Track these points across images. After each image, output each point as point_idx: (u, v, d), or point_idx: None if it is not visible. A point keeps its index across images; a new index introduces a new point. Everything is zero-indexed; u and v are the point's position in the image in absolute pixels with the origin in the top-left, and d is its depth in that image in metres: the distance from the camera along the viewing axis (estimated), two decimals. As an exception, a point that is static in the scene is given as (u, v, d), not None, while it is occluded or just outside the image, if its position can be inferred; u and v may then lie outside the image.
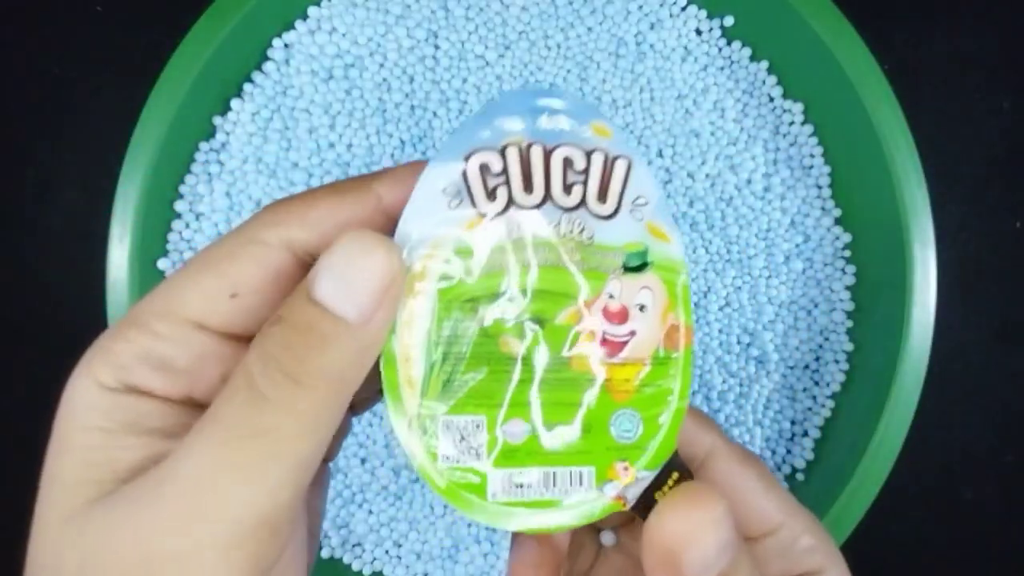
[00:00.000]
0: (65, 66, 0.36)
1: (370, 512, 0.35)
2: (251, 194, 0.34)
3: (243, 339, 0.16)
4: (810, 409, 0.36)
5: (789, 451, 0.36)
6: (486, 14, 0.35)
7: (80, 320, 0.31)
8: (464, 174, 0.17)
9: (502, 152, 0.17)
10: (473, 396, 0.17)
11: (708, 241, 0.35)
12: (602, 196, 0.18)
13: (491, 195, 0.17)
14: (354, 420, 0.35)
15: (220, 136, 0.34)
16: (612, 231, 0.18)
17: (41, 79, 0.36)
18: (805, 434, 0.36)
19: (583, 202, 0.18)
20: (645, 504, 0.18)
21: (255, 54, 0.34)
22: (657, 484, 0.18)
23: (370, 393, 0.19)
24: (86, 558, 0.14)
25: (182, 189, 0.34)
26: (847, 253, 0.35)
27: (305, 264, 0.17)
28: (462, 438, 0.17)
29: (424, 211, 0.17)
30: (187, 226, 0.34)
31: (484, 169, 0.17)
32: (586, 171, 0.18)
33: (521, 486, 0.17)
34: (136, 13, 0.36)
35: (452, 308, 0.17)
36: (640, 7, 0.35)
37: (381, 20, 0.34)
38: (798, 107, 0.35)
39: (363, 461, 0.35)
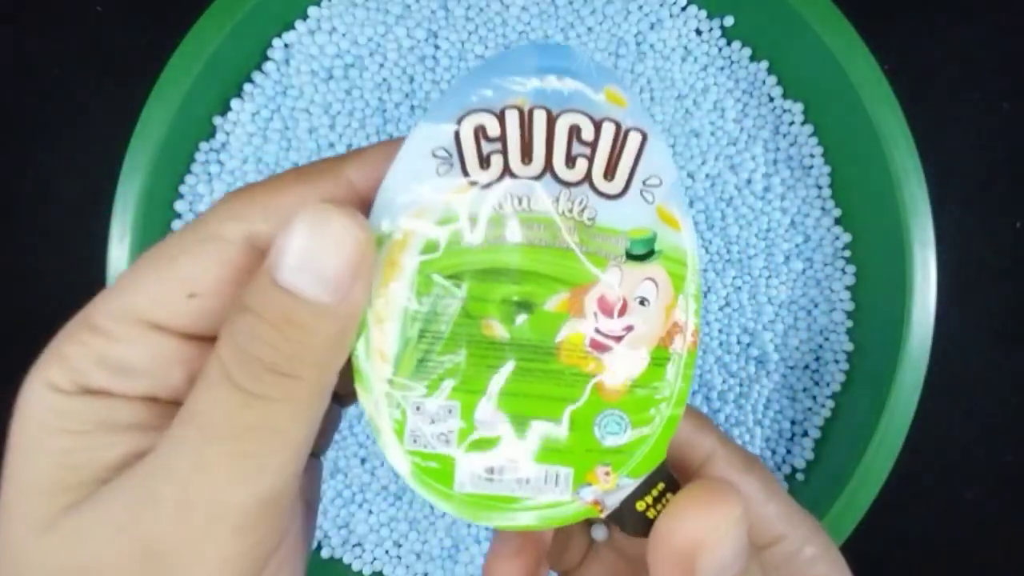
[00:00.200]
0: (65, 66, 0.36)
1: (370, 512, 0.35)
2: (251, 194, 0.34)
3: (208, 339, 0.15)
4: (810, 409, 0.36)
5: (789, 451, 0.36)
6: (486, 14, 0.35)
7: (80, 320, 0.31)
8: (456, 137, 0.16)
9: (501, 115, 0.16)
10: (448, 379, 0.16)
11: (708, 241, 0.35)
12: (610, 172, 0.16)
13: (484, 162, 0.16)
14: (354, 420, 0.35)
15: (220, 136, 0.34)
16: (617, 213, 0.16)
17: (41, 79, 0.36)
18: (805, 434, 0.36)
19: (587, 177, 0.16)
20: (623, 514, 0.16)
21: (255, 54, 0.34)
22: (639, 494, 0.16)
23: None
24: (79, 561, 0.14)
25: (182, 189, 0.34)
26: (847, 253, 0.35)
27: None
28: (432, 422, 0.16)
29: (409, 175, 0.15)
30: (187, 226, 0.34)
31: (479, 132, 0.16)
32: (594, 142, 0.16)
33: (491, 480, 0.16)
34: (136, 13, 0.36)
35: (433, 282, 0.16)
36: (640, 7, 0.35)
37: (381, 20, 0.34)
38: (798, 107, 0.35)
39: (363, 461, 0.35)
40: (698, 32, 0.36)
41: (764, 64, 0.36)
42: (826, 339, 0.36)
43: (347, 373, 0.16)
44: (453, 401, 0.16)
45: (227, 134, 0.34)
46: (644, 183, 0.16)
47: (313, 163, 0.16)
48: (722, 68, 0.36)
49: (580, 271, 0.16)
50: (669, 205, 0.16)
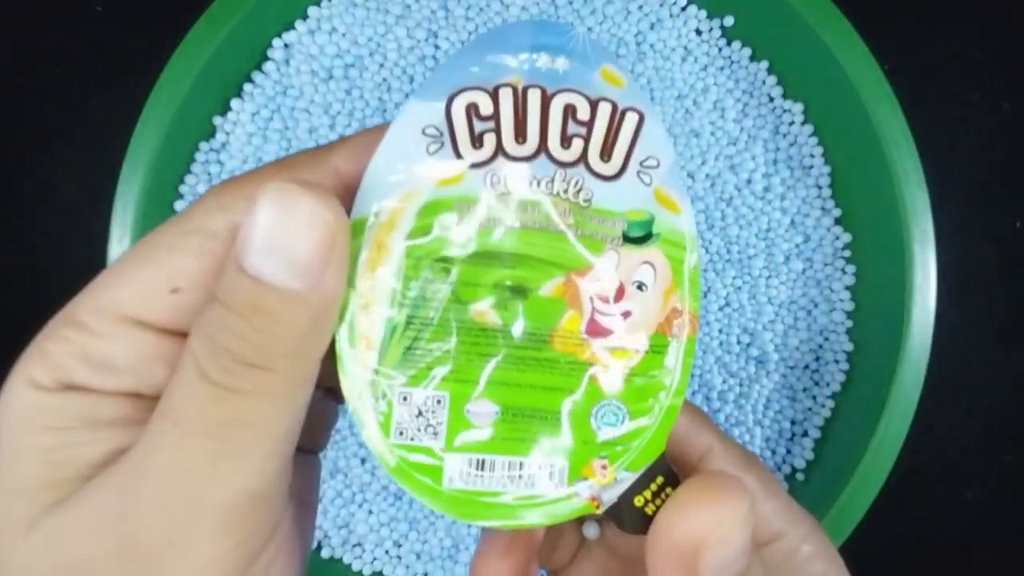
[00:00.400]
0: (65, 66, 0.36)
1: (370, 512, 0.35)
2: (251, 194, 0.34)
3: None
4: (810, 409, 0.36)
5: (789, 451, 0.36)
6: (486, 14, 0.35)
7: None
8: (448, 115, 0.15)
9: (494, 93, 0.15)
10: (437, 368, 0.15)
11: (708, 241, 0.35)
12: (606, 153, 0.15)
13: (477, 141, 0.15)
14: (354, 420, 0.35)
15: (220, 136, 0.34)
16: (614, 194, 0.15)
17: (41, 79, 0.36)
18: (805, 434, 0.36)
19: (583, 158, 0.15)
20: (620, 510, 0.16)
21: (255, 54, 0.34)
22: (638, 488, 0.16)
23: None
24: (65, 561, 0.14)
25: (182, 189, 0.34)
26: (847, 253, 0.35)
27: None
28: (419, 413, 0.15)
29: (399, 154, 0.15)
30: (187, 226, 0.34)
31: (471, 111, 0.15)
32: (590, 122, 0.15)
33: (482, 475, 0.15)
34: (136, 13, 0.36)
35: (422, 267, 0.15)
36: (640, 7, 0.35)
37: (381, 20, 0.34)
38: (798, 107, 0.35)
39: (363, 461, 0.35)
40: (698, 32, 0.36)
41: (764, 64, 0.36)
42: (826, 339, 0.36)
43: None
44: (442, 391, 0.15)
45: (227, 134, 0.34)
46: (641, 164, 0.16)
47: (299, 152, 0.16)
48: (722, 68, 0.36)
49: (575, 255, 0.15)
50: (667, 187, 0.16)
